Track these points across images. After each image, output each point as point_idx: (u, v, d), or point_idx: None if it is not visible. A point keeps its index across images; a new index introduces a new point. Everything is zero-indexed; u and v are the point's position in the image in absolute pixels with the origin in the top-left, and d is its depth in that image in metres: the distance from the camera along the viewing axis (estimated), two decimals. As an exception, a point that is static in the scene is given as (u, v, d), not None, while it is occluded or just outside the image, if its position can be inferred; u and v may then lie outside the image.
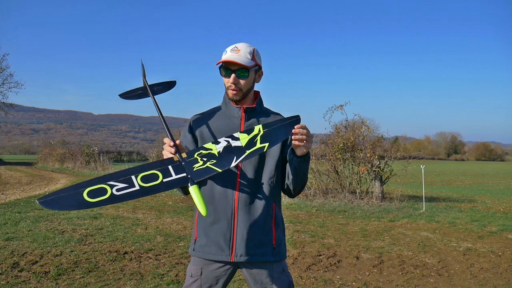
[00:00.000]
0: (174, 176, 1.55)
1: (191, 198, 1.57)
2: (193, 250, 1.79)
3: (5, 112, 38.89)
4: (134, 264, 4.35)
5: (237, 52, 1.73)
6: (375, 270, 4.45)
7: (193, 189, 1.52)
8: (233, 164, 1.59)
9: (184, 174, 1.56)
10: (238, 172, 1.75)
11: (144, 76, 2.15)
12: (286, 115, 1.92)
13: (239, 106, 1.81)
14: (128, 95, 2.17)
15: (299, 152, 1.64)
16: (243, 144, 1.62)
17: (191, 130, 1.85)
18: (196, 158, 1.61)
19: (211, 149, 1.63)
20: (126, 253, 4.73)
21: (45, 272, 3.98)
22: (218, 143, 1.65)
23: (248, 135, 1.65)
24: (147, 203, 9.34)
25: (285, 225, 1.91)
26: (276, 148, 1.79)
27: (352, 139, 10.49)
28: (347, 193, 10.33)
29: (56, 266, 4.13)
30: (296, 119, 1.68)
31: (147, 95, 2.09)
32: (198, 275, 1.77)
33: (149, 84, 2.12)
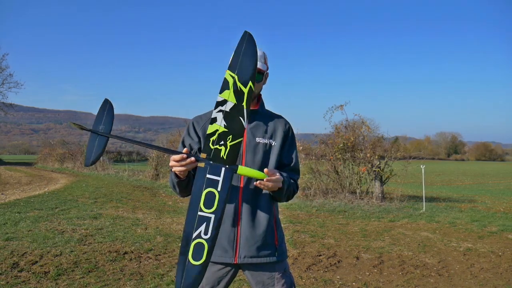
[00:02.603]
0: (221, 180, 1.55)
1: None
2: None
3: (5, 112, 38.87)
4: (134, 264, 4.35)
5: None
6: (375, 270, 4.44)
7: (242, 171, 1.58)
8: (246, 125, 1.58)
9: (224, 170, 1.56)
10: (242, 176, 1.75)
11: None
12: (286, 115, 1.93)
13: None
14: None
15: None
16: (234, 101, 1.58)
17: (195, 130, 1.85)
18: (215, 148, 1.58)
19: (217, 129, 1.58)
20: (126, 253, 4.73)
21: (45, 272, 3.97)
22: (215, 119, 1.59)
23: (228, 89, 1.58)
24: (147, 203, 9.33)
25: (285, 225, 1.92)
26: (275, 153, 1.81)
27: (352, 139, 10.49)
28: (347, 193, 10.32)
29: (56, 266, 4.13)
30: None
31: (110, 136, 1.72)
32: None
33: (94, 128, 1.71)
